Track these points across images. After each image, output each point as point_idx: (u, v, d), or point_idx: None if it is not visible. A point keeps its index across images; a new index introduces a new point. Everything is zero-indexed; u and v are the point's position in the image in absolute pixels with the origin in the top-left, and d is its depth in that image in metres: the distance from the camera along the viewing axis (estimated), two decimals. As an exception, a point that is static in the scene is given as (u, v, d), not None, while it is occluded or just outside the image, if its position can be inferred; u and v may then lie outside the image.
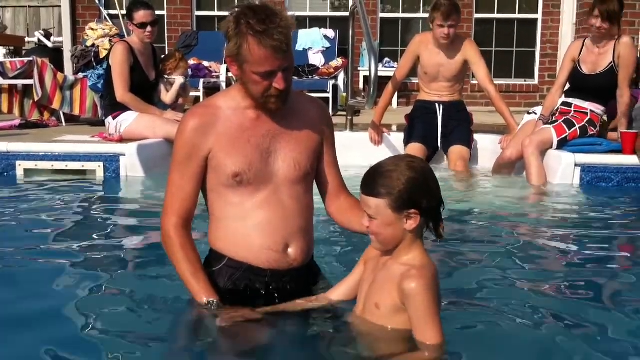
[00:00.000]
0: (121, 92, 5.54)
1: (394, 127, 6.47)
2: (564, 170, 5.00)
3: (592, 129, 5.21)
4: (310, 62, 9.75)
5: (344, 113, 6.65)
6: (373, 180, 1.98)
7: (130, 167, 5.12)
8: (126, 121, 5.53)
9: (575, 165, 4.99)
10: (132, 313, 2.43)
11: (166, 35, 10.53)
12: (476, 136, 5.91)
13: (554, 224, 4.12)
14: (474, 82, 9.37)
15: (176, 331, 2.36)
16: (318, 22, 10.58)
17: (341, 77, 9.44)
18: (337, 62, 9.55)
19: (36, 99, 7.06)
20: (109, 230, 3.76)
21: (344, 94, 8.90)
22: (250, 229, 2.30)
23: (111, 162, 5.14)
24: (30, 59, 7.29)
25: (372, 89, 5.22)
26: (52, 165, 5.14)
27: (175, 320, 2.39)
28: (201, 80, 8.70)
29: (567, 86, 5.44)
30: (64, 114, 7.19)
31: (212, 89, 8.49)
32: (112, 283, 2.79)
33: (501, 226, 4.02)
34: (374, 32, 10.21)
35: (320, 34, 10.15)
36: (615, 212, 4.51)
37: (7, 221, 3.84)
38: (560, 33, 10.48)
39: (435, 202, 1.99)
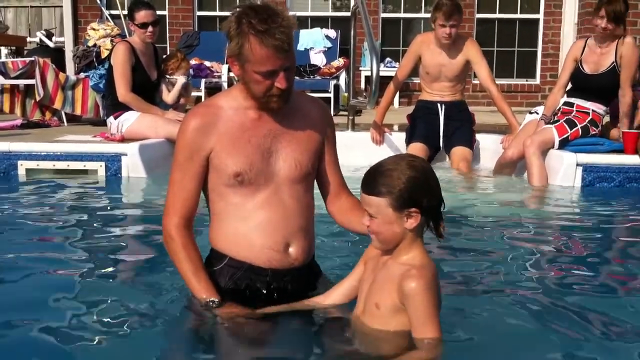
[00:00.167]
0: (123, 92, 5.55)
1: (396, 127, 6.48)
2: (565, 170, 4.99)
3: (594, 128, 5.21)
4: (312, 62, 9.75)
5: (346, 113, 6.65)
6: (374, 179, 1.98)
7: (132, 167, 5.12)
8: (128, 121, 5.53)
9: (577, 165, 4.98)
10: (133, 313, 2.43)
11: (168, 35, 10.54)
12: (478, 136, 5.91)
13: (555, 224, 4.12)
14: (476, 81, 9.38)
15: (177, 330, 2.36)
16: (319, 22, 10.58)
17: (343, 77, 9.44)
18: (339, 62, 9.55)
19: (38, 98, 7.06)
20: (110, 230, 3.76)
21: (346, 94, 8.89)
22: (251, 228, 2.30)
23: (113, 162, 5.15)
24: (32, 59, 7.29)
25: (373, 88, 5.22)
26: (54, 165, 5.14)
27: (176, 319, 2.39)
28: (203, 80, 8.70)
29: (569, 86, 5.43)
30: (65, 113, 7.19)
31: (213, 89, 8.49)
32: (113, 283, 2.80)
33: (502, 226, 4.01)
34: (375, 32, 10.20)
35: (322, 34, 10.15)
36: (617, 212, 4.51)
37: (8, 220, 3.85)
38: (561, 33, 10.47)
39: (435, 201, 1.99)
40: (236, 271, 2.33)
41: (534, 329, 2.36)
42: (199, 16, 10.76)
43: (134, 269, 3.05)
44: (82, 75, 7.34)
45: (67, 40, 10.22)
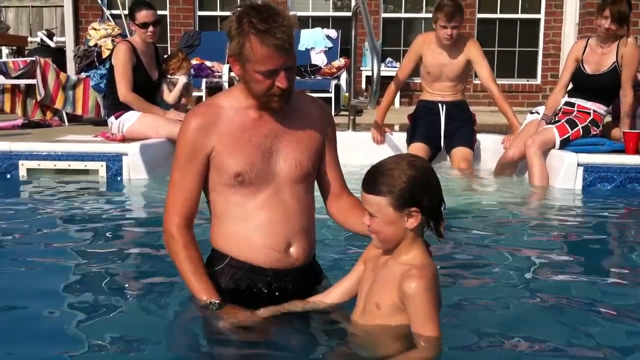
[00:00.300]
0: (124, 91, 5.55)
1: (397, 127, 6.48)
2: (566, 170, 4.99)
3: (595, 128, 5.20)
4: (313, 62, 9.75)
5: (347, 113, 6.65)
6: (374, 178, 1.98)
7: (133, 166, 5.12)
8: (129, 121, 5.53)
9: (578, 165, 4.98)
10: (133, 313, 2.43)
11: (169, 35, 10.54)
12: (479, 136, 5.90)
13: (556, 225, 4.12)
14: (477, 81, 9.38)
15: (177, 331, 2.36)
16: (320, 22, 10.58)
17: (343, 77, 9.43)
18: (340, 62, 9.54)
19: (39, 98, 7.06)
20: (111, 230, 3.76)
21: (347, 94, 8.89)
22: (251, 228, 2.30)
23: (114, 161, 5.15)
24: (33, 58, 7.29)
25: (374, 88, 5.23)
26: (55, 165, 5.14)
27: (176, 320, 2.40)
28: (204, 80, 8.70)
29: (570, 86, 5.43)
30: (66, 113, 7.19)
31: (214, 89, 8.50)
32: (113, 283, 2.79)
33: (503, 226, 4.02)
34: (376, 32, 10.20)
35: (323, 33, 10.15)
36: (618, 212, 4.51)
37: (9, 220, 3.85)
38: (562, 33, 10.47)
39: (436, 201, 1.99)
40: (237, 271, 2.33)
41: (534, 329, 2.36)
42: (199, 16, 10.77)
43: (134, 269, 3.05)
44: (83, 75, 7.34)
45: (68, 40, 10.22)
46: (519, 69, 10.77)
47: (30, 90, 7.27)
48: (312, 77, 9.40)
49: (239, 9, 2.21)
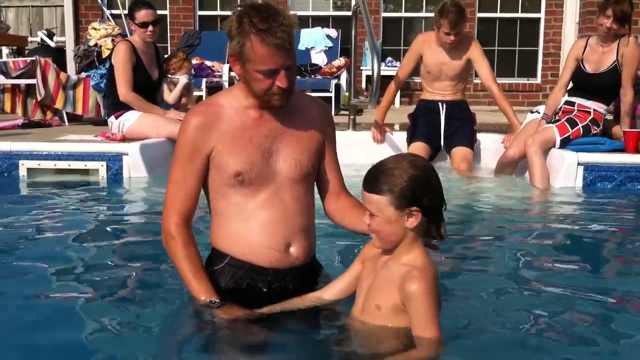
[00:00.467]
0: (124, 91, 5.55)
1: (397, 126, 6.48)
2: (566, 169, 4.99)
3: (595, 128, 5.20)
4: (313, 62, 9.75)
5: (347, 112, 6.65)
6: (375, 177, 1.98)
7: (133, 166, 5.12)
8: (129, 120, 5.53)
9: (578, 164, 4.98)
10: (132, 312, 2.43)
11: (169, 34, 10.54)
12: (479, 135, 5.90)
13: (557, 224, 4.12)
14: (477, 81, 9.37)
15: (176, 331, 2.36)
16: (320, 21, 10.58)
17: (344, 76, 9.43)
18: (340, 61, 9.54)
19: (39, 98, 7.07)
20: (111, 230, 3.76)
21: (347, 93, 8.89)
22: (251, 228, 2.30)
23: (114, 161, 5.15)
24: (33, 58, 7.29)
25: (374, 88, 5.22)
26: (55, 165, 5.14)
27: (175, 319, 2.40)
28: (204, 80, 8.70)
29: (570, 85, 5.43)
30: (66, 113, 7.20)
31: (214, 89, 8.49)
32: (113, 282, 2.79)
33: (503, 226, 4.01)
34: (376, 31, 10.20)
35: (323, 33, 10.15)
36: (618, 211, 4.50)
37: (9, 220, 3.85)
38: (563, 32, 10.47)
39: (437, 201, 1.99)
40: (237, 270, 2.33)
41: (535, 328, 2.36)
42: (199, 16, 10.77)
43: (134, 269, 3.05)
44: (83, 74, 7.34)
45: (68, 39, 10.23)
46: (519, 68, 10.77)
47: (30, 90, 7.27)
48: (312, 76, 9.40)
49: (239, 8, 2.21)
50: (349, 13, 7.39)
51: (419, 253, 2.01)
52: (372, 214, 2.00)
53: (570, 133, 5.15)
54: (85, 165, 5.14)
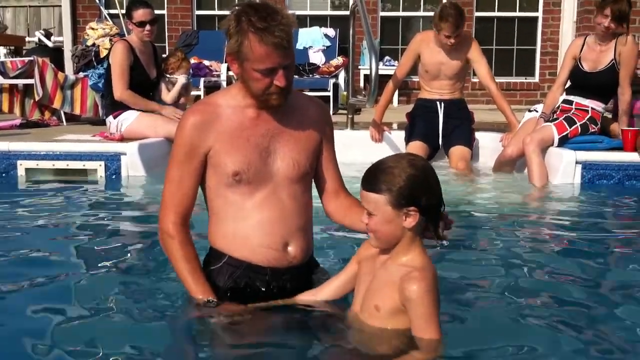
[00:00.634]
0: (119, 90, 5.54)
1: (395, 126, 6.48)
2: (565, 167, 5.00)
3: (593, 126, 5.21)
4: (311, 61, 9.75)
5: (345, 112, 6.65)
6: (374, 176, 1.98)
7: (132, 166, 5.12)
8: (127, 120, 5.53)
9: (576, 162, 4.99)
10: (130, 312, 2.43)
11: (166, 34, 10.54)
12: (477, 134, 5.91)
13: (555, 222, 4.12)
14: (475, 80, 9.38)
15: (173, 330, 2.36)
16: (318, 20, 10.58)
17: (342, 75, 9.44)
18: (338, 60, 9.55)
19: (37, 98, 7.07)
20: (109, 230, 3.76)
21: (345, 93, 8.90)
22: (249, 227, 2.30)
23: (112, 161, 5.15)
24: (31, 58, 7.29)
25: (372, 87, 5.22)
26: (53, 165, 5.14)
27: (172, 319, 2.39)
28: (202, 80, 8.70)
29: (568, 84, 5.43)
30: (64, 113, 7.19)
31: (212, 88, 8.48)
32: (111, 282, 2.79)
33: (502, 225, 4.02)
34: (374, 30, 10.20)
35: (321, 32, 10.15)
36: (617, 209, 4.51)
37: (8, 220, 3.84)
38: (560, 31, 10.47)
39: (435, 201, 1.99)
40: (235, 270, 2.33)
41: (534, 328, 2.36)
42: (197, 15, 10.76)
43: (132, 268, 3.05)
44: (81, 74, 7.34)
45: (66, 39, 10.21)
46: (517, 67, 10.77)
47: (28, 90, 7.27)
48: (310, 76, 9.40)
49: (237, 7, 2.21)
50: (347, 12, 7.41)
51: (417, 253, 2.01)
52: (370, 214, 2.00)
53: (568, 132, 5.15)
54: (84, 165, 5.14)
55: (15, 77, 7.27)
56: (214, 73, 9.05)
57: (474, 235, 3.73)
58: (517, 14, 10.67)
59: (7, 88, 7.33)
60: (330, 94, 8.90)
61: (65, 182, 4.93)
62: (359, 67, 10.07)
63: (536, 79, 10.67)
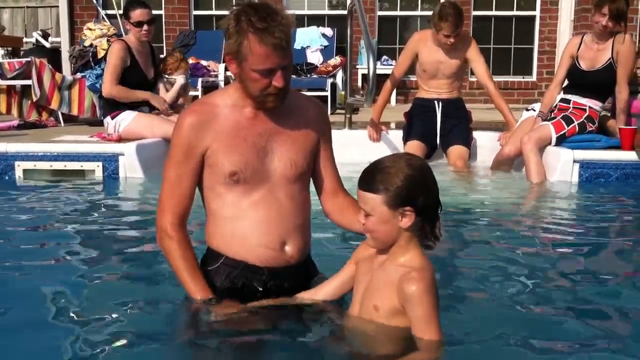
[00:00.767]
0: (108, 86, 5.55)
1: (393, 125, 6.48)
2: (562, 166, 5.00)
3: (591, 125, 5.22)
4: (309, 61, 9.75)
5: (343, 111, 6.65)
6: (371, 176, 1.97)
7: (129, 166, 5.12)
8: (125, 121, 5.53)
9: (574, 161, 5.00)
10: (129, 312, 2.43)
11: (164, 34, 10.53)
12: (475, 133, 5.91)
13: (553, 221, 4.12)
14: (472, 79, 9.39)
15: (172, 330, 2.36)
16: (316, 20, 10.58)
17: (339, 75, 9.44)
18: (336, 60, 9.55)
19: (34, 99, 7.06)
20: (107, 230, 3.75)
21: (343, 92, 8.90)
22: (246, 227, 2.30)
23: (110, 162, 5.14)
24: (28, 59, 7.29)
25: (370, 86, 5.22)
26: (51, 166, 5.14)
27: (171, 319, 2.39)
28: (199, 80, 8.70)
29: (566, 83, 5.44)
30: (62, 114, 7.18)
31: (210, 88, 8.48)
32: (110, 283, 2.79)
33: (500, 224, 4.02)
34: (372, 30, 10.21)
35: (318, 32, 10.15)
36: (614, 208, 4.51)
37: (6, 222, 3.84)
38: (558, 30, 10.48)
39: (432, 201, 1.98)
40: (232, 270, 2.33)
41: (533, 327, 2.36)
42: (195, 15, 10.76)
43: (130, 268, 3.05)
44: (78, 75, 7.33)
45: (64, 40, 10.21)
46: (515, 66, 10.78)
47: (25, 91, 7.26)
48: (308, 75, 9.40)
49: (237, 7, 2.21)
50: (345, 12, 7.40)
51: (415, 253, 2.01)
52: (367, 214, 2.00)
53: (566, 130, 5.16)
54: (82, 166, 5.14)
55: (13, 78, 7.26)
56: (212, 73, 9.05)
57: (472, 234, 3.73)
58: (515, 12, 10.68)
59: (5, 89, 7.33)
60: (328, 93, 8.90)
61: (63, 183, 4.92)
62: (357, 66, 10.08)
63: (534, 77, 10.68)
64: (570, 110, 5.25)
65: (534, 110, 5.58)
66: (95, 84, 7.07)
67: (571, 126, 5.16)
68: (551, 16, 10.50)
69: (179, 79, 5.95)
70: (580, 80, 5.27)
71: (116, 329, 2.30)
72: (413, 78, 8.43)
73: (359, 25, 5.82)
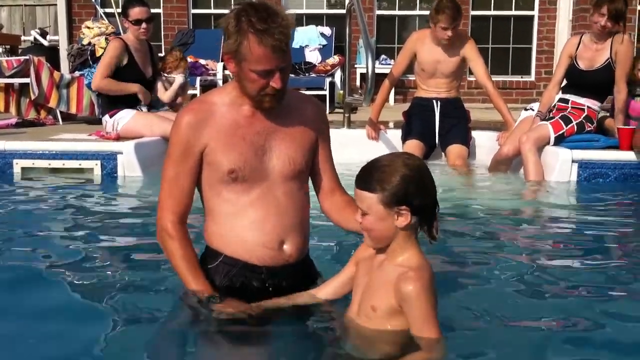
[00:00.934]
0: (97, 80, 5.54)
1: (391, 124, 6.48)
2: (561, 166, 5.01)
3: (589, 125, 5.22)
4: (307, 60, 9.75)
5: (341, 110, 6.65)
6: (368, 174, 1.98)
7: (128, 165, 5.11)
8: (123, 119, 5.52)
9: (573, 161, 5.00)
10: (129, 311, 2.43)
11: (162, 33, 10.53)
12: (473, 133, 5.91)
13: (552, 221, 4.13)
14: (471, 79, 9.39)
15: (173, 328, 2.36)
16: (314, 19, 10.58)
17: (338, 74, 9.44)
18: (334, 59, 9.55)
19: (33, 97, 7.05)
20: (106, 229, 3.75)
21: (341, 92, 8.89)
22: (245, 226, 2.30)
23: (108, 160, 5.14)
24: (27, 57, 7.27)
25: (369, 86, 5.22)
26: (49, 164, 5.13)
27: (172, 317, 2.39)
28: (198, 78, 8.69)
29: (564, 82, 5.44)
30: (60, 112, 7.18)
31: (208, 87, 8.47)
32: (109, 282, 2.79)
33: (499, 223, 4.02)
34: (370, 29, 10.20)
35: (317, 31, 10.15)
36: (613, 208, 4.52)
37: (4, 219, 3.84)
38: (556, 30, 10.49)
39: (428, 202, 1.97)
40: (231, 269, 2.33)
41: (532, 326, 2.36)
42: (193, 14, 10.75)
43: (129, 267, 3.05)
44: (77, 73, 7.32)
45: (62, 38, 10.19)
46: (513, 65, 10.79)
47: (24, 89, 7.25)
48: (307, 74, 9.39)
49: (237, 6, 2.21)
50: (343, 11, 7.40)
51: (413, 253, 2.01)
52: (363, 212, 2.00)
53: (564, 130, 5.16)
54: (80, 164, 5.13)
55: (11, 76, 7.25)
56: (210, 72, 9.05)
57: (470, 233, 3.73)
58: (513, 12, 10.69)
59: (3, 87, 7.32)
60: (327, 92, 8.91)
61: (62, 181, 4.92)
62: (355, 65, 10.08)
63: (532, 77, 10.68)
64: (568, 110, 5.26)
65: (533, 110, 5.58)
66: (93, 82, 7.06)
67: (570, 126, 5.16)
68: (549, 16, 10.51)
69: (178, 78, 5.94)
70: (579, 80, 5.28)
71: (115, 328, 2.30)
72: (412, 77, 8.45)
73: (357, 24, 5.81)
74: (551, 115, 5.30)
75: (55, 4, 10.67)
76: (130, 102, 5.62)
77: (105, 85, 5.54)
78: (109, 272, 2.94)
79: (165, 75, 5.94)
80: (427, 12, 5.77)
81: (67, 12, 10.48)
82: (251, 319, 2.20)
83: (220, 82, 8.74)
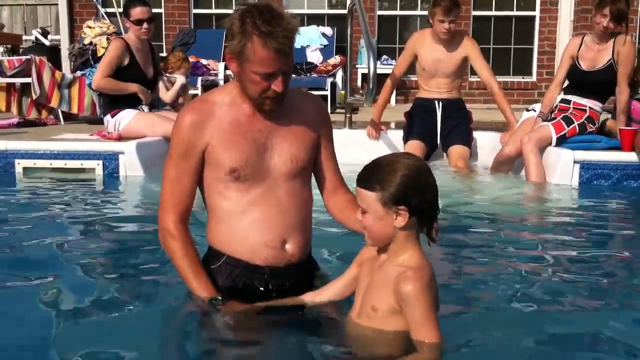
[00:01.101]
0: (98, 79, 5.55)
1: (393, 125, 6.47)
2: (562, 167, 5.00)
3: (591, 125, 5.21)
4: (309, 60, 9.74)
5: (343, 111, 6.64)
6: (369, 173, 1.98)
7: (129, 165, 5.11)
8: (125, 119, 5.52)
9: (574, 162, 4.99)
10: (130, 311, 2.43)
11: (164, 33, 10.52)
12: (475, 133, 5.91)
13: (553, 222, 4.12)
14: (472, 79, 9.39)
15: (175, 328, 2.36)
16: (316, 19, 10.57)
17: (339, 74, 9.43)
18: (335, 59, 9.54)
19: (34, 97, 7.05)
20: (107, 229, 3.75)
21: (343, 92, 8.89)
22: (247, 225, 2.30)
23: (110, 160, 5.14)
24: (28, 57, 7.27)
25: (370, 86, 5.22)
26: (51, 164, 5.14)
27: (174, 317, 2.39)
28: (199, 78, 8.70)
29: (566, 83, 5.44)
30: (62, 112, 7.18)
31: (210, 87, 8.47)
32: (110, 281, 2.79)
33: (500, 224, 4.02)
34: (372, 29, 10.20)
35: (318, 31, 10.14)
36: (615, 209, 4.52)
37: (6, 220, 3.84)
38: (558, 30, 10.48)
39: (428, 202, 1.97)
40: (234, 269, 2.32)
41: (532, 328, 2.36)
42: (195, 14, 10.74)
43: (131, 267, 3.05)
44: (78, 73, 7.33)
45: (63, 38, 10.19)
46: (515, 66, 10.78)
47: (25, 88, 7.26)
48: (308, 74, 9.39)
49: (241, 7, 2.20)
50: (345, 11, 7.39)
51: (413, 253, 2.01)
52: (364, 211, 2.00)
53: (566, 131, 5.15)
54: (82, 164, 5.14)
55: (13, 75, 7.25)
56: (212, 72, 9.05)
57: (472, 234, 3.73)
58: (515, 13, 10.68)
59: (5, 87, 7.32)
60: (328, 93, 8.90)
61: (63, 181, 4.92)
62: (357, 66, 10.08)
63: (534, 78, 10.68)
64: (570, 110, 5.25)
65: (534, 111, 5.58)
66: (95, 82, 7.06)
67: (571, 127, 5.16)
68: (551, 16, 10.50)
69: (180, 78, 5.94)
70: (581, 81, 5.27)
71: (117, 328, 2.30)
72: (413, 78, 8.43)
73: (359, 24, 5.82)
74: (553, 116, 5.30)
75: (57, 4, 10.68)
76: (132, 102, 5.62)
77: (106, 84, 5.54)
78: (110, 272, 2.94)
79: (167, 75, 5.94)
80: (428, 12, 5.77)
81: (68, 12, 10.48)
82: (253, 320, 2.20)
83: (221, 82, 8.74)
